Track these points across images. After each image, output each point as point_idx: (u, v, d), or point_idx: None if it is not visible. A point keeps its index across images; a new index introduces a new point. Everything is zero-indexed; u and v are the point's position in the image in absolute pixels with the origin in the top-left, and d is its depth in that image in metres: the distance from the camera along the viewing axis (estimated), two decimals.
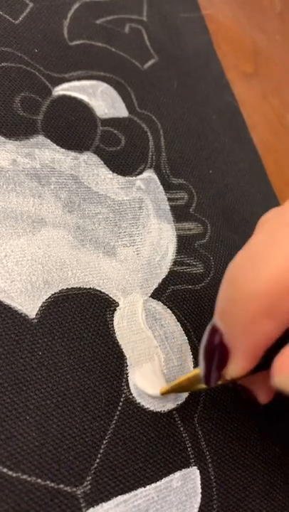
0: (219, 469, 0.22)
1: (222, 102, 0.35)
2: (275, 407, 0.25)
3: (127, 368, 0.22)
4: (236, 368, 0.18)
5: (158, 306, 0.24)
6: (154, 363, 0.22)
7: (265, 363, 0.17)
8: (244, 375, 0.18)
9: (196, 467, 0.21)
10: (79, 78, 0.28)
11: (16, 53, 0.27)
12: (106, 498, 0.19)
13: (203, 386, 0.20)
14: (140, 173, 0.27)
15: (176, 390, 0.21)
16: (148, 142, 0.29)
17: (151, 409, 0.21)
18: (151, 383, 0.22)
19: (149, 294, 0.24)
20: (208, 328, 0.18)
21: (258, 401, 0.22)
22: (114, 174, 0.26)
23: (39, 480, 0.18)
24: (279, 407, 0.25)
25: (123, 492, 0.19)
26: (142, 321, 0.23)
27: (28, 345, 0.20)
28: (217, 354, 0.18)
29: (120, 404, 0.21)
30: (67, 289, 0.22)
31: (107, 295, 0.23)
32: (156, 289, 0.24)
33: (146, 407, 0.21)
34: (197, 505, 0.20)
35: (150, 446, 0.21)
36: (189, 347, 0.24)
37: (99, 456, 0.19)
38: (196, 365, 0.23)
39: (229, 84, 0.37)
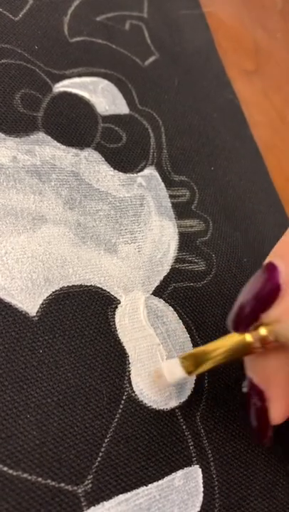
0: (221, 468, 0.21)
1: (223, 99, 0.35)
2: None
3: (129, 365, 0.21)
4: (284, 308, 0.16)
5: (160, 304, 0.24)
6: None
7: None
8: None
9: (198, 466, 0.21)
10: (79, 75, 0.28)
11: (16, 50, 0.26)
12: (107, 496, 0.19)
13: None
14: (141, 170, 0.27)
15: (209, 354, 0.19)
16: (149, 139, 0.28)
17: (154, 407, 0.21)
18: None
19: (151, 292, 0.24)
20: (264, 265, 0.17)
21: (268, 419, 0.19)
22: (116, 171, 0.26)
23: (40, 479, 0.18)
24: None
25: (124, 491, 0.19)
26: (144, 318, 0.23)
27: (29, 344, 0.20)
28: (266, 291, 0.17)
29: (122, 402, 0.20)
30: (68, 286, 0.22)
31: (109, 292, 0.23)
32: (157, 286, 0.24)
33: (148, 405, 0.21)
34: (199, 503, 0.20)
35: (152, 444, 0.20)
36: (191, 345, 0.23)
37: (100, 454, 0.19)
38: None
39: (230, 81, 0.36)
